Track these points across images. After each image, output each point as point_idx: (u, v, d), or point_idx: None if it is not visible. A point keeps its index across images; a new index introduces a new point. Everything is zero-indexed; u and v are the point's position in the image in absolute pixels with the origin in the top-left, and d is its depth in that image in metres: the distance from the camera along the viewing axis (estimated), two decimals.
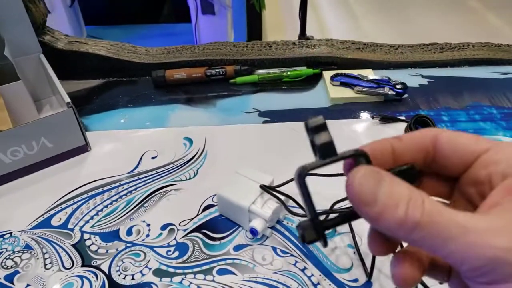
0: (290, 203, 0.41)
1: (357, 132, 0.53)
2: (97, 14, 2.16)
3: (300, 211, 0.41)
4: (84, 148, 0.49)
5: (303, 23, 1.36)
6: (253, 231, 0.39)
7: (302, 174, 0.19)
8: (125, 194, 0.45)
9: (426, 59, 0.66)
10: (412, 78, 0.63)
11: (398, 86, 0.58)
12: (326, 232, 0.20)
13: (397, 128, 0.53)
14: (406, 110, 0.57)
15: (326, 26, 2.66)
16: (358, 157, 0.20)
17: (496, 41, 0.68)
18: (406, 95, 0.59)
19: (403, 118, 0.54)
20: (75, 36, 0.62)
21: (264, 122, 0.55)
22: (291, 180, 0.42)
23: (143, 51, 0.64)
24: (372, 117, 0.55)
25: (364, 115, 0.56)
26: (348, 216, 0.20)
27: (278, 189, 0.41)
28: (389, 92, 0.57)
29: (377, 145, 0.21)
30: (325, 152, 0.19)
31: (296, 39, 0.67)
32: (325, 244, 0.20)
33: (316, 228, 0.20)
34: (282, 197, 0.40)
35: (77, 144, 0.48)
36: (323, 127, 0.19)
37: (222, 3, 1.92)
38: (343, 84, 0.60)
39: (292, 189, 0.42)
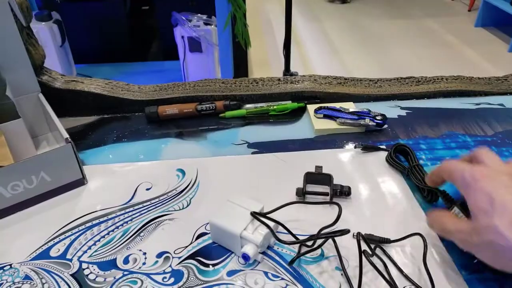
0: (280, 228, 0.44)
1: (341, 160, 0.56)
2: (87, 52, 2.21)
3: (289, 237, 0.43)
4: (81, 182, 0.51)
5: (287, 60, 1.43)
6: (245, 257, 0.41)
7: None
8: (121, 225, 0.47)
9: (404, 92, 0.70)
10: (391, 110, 0.67)
11: (378, 118, 0.62)
12: None
13: (379, 156, 0.57)
14: (387, 140, 0.60)
15: (310, 62, 2.76)
16: None
17: (470, 74, 0.74)
18: (386, 126, 0.63)
19: (383, 147, 0.58)
20: (71, 75, 0.65)
21: (253, 153, 0.58)
22: (281, 207, 0.45)
23: (136, 89, 0.67)
24: (355, 147, 0.59)
25: (347, 144, 0.60)
26: None
27: (268, 215, 0.43)
28: (370, 123, 0.61)
29: None
30: None
31: (281, 76, 0.71)
32: None
33: None
34: (271, 223, 0.42)
35: (74, 177, 0.50)
36: None
37: (209, 41, 1.99)
38: (326, 116, 0.64)
39: (281, 215, 0.44)
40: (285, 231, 0.44)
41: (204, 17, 2.02)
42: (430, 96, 0.70)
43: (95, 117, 0.65)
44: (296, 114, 0.67)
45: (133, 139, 0.61)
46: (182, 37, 2.00)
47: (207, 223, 0.46)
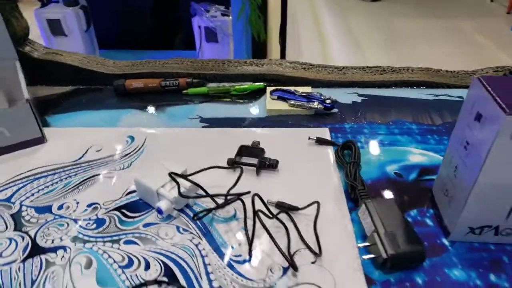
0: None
1: (281, 139, 0.59)
2: (111, 39, 2.32)
3: (208, 199, 0.47)
4: (40, 140, 0.58)
5: (282, 48, 1.45)
6: (159, 210, 0.45)
7: None
8: (65, 178, 0.52)
9: (365, 80, 0.72)
10: (348, 96, 0.69)
11: (327, 101, 0.64)
12: None
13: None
14: (331, 123, 0.63)
15: (332, 58, 2.75)
16: None
17: None
18: (336, 110, 0.65)
19: (330, 140, 0.59)
20: (55, 49, 0.72)
21: (203, 127, 0.62)
22: (200, 171, 0.49)
23: (111, 64, 0.73)
24: (309, 138, 0.58)
25: (294, 125, 0.62)
26: None
27: (188, 177, 0.47)
28: (318, 106, 0.64)
29: None
30: None
31: (249, 59, 0.75)
32: None
33: None
34: (188, 184, 0.46)
35: (33, 136, 0.57)
36: None
37: (225, 32, 2.04)
38: (280, 98, 0.67)
39: (208, 182, 0.48)
40: (203, 193, 0.48)
41: (222, 8, 2.07)
42: (390, 85, 0.72)
43: (70, 87, 0.72)
44: (256, 95, 0.70)
45: (99, 109, 0.67)
46: (199, 27, 2.06)
47: None
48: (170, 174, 0.46)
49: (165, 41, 2.50)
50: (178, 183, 0.45)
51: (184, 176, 0.47)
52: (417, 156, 0.56)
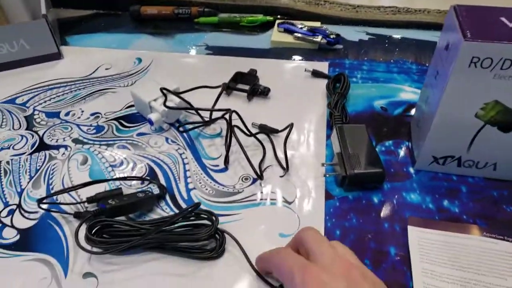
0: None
1: (279, 69, 0.61)
2: None
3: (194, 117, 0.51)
4: (57, 56, 0.63)
5: None
6: (150, 121, 0.50)
7: None
8: (75, 90, 0.58)
9: (377, 19, 0.71)
10: (356, 34, 0.69)
11: (331, 36, 0.65)
12: None
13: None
14: (333, 58, 0.64)
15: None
16: None
17: None
18: (339, 46, 0.66)
19: (325, 73, 0.59)
20: None
21: (207, 54, 0.65)
22: (189, 90, 0.52)
23: None
24: (305, 70, 0.60)
25: (295, 59, 0.64)
26: None
27: (180, 95, 0.51)
28: (322, 41, 0.64)
29: None
30: None
31: None
32: None
33: None
34: (177, 100, 0.50)
35: (50, 51, 0.62)
36: None
37: None
38: (286, 31, 0.68)
39: (200, 101, 0.52)
40: (194, 112, 0.52)
41: None
42: (402, 25, 0.70)
43: (91, 11, 0.76)
44: (266, 28, 0.72)
45: (115, 32, 0.71)
46: None
47: None
48: (161, 89, 0.50)
49: None
50: (166, 96, 0.49)
51: (175, 92, 0.50)
52: (408, 93, 0.57)
